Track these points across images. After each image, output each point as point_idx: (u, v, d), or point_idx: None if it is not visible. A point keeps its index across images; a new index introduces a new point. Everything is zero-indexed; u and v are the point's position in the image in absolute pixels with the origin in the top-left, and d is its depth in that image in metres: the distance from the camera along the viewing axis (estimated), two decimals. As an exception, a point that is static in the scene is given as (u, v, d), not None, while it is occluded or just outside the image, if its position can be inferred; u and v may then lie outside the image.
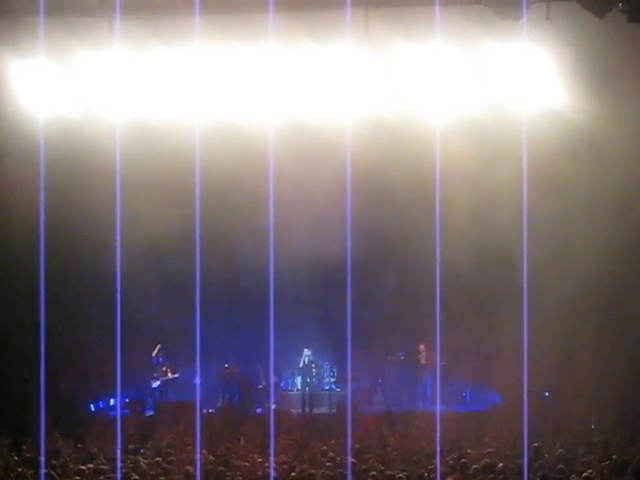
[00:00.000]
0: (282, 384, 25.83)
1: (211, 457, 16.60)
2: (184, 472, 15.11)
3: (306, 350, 25.40)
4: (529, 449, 16.25)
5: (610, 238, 22.36)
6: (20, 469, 15.17)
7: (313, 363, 25.27)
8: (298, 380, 25.79)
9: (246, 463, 16.01)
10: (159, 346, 25.06)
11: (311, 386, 25.15)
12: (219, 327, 25.15)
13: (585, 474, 14.11)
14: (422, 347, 24.74)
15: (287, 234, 21.49)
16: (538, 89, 21.05)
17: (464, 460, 15.68)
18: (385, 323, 25.48)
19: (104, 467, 15.38)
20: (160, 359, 25.15)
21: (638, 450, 16.46)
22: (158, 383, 25.14)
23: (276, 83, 21.36)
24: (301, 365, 25.44)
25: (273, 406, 23.13)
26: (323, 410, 24.57)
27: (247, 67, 21.28)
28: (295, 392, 25.70)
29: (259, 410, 24.53)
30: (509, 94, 21.18)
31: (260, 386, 24.73)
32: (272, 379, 23.77)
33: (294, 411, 24.34)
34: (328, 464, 15.48)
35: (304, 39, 20.33)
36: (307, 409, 24.59)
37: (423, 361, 24.64)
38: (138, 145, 21.51)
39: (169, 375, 25.07)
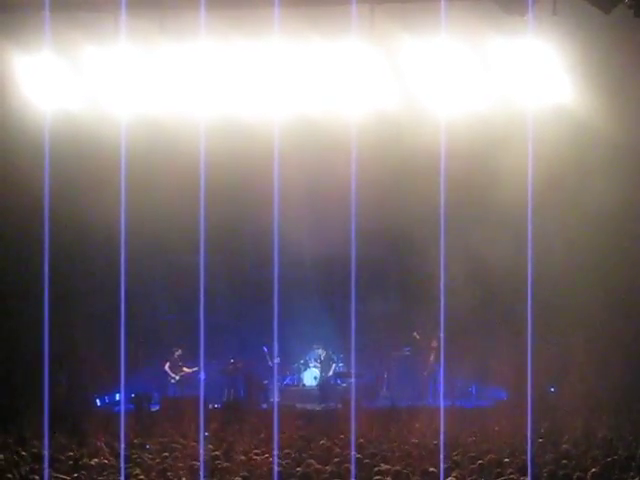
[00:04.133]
0: (287, 379, 25.90)
1: (216, 452, 16.60)
2: (189, 467, 15.13)
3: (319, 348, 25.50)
4: (534, 445, 16.24)
5: (617, 235, 22.36)
6: (24, 466, 15.20)
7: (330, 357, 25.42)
8: (303, 376, 25.85)
9: (253, 457, 16.02)
10: (179, 351, 25.11)
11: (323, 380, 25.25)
12: (224, 322, 25.18)
13: (593, 470, 14.09)
14: (434, 343, 24.73)
15: (293, 229, 21.52)
16: (544, 84, 21.02)
17: (469, 455, 15.68)
18: (391, 318, 25.48)
19: (107, 462, 15.40)
20: (178, 351, 25.17)
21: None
22: (177, 378, 25.18)
23: (282, 78, 21.35)
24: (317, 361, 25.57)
25: (277, 399, 23.23)
26: (329, 405, 24.60)
27: (253, 62, 21.28)
28: (300, 387, 25.76)
29: (264, 405, 24.56)
30: (515, 89, 21.15)
31: (271, 364, 24.78)
32: (275, 377, 23.88)
33: (299, 406, 24.38)
34: (336, 460, 15.48)
35: (310, 34, 20.32)
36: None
37: (432, 358, 24.69)
38: (144, 140, 21.52)
39: (185, 370, 25.07)
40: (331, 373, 25.63)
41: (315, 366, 25.73)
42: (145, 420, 21.46)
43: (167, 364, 25.22)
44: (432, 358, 24.74)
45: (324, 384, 25.41)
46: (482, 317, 24.19)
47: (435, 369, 24.59)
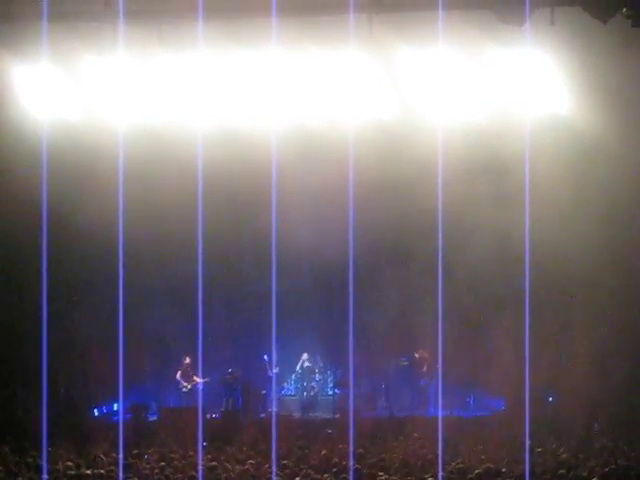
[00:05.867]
0: (285, 389, 25.88)
1: (214, 462, 16.58)
2: (188, 477, 15.10)
3: (305, 355, 25.50)
4: (532, 454, 16.23)
5: (614, 242, 22.36)
6: (20, 477, 15.18)
7: (313, 368, 25.36)
8: (299, 385, 25.82)
9: (248, 468, 16.00)
10: (188, 359, 25.02)
11: (308, 391, 25.24)
12: (222, 331, 25.15)
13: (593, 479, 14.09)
14: (426, 355, 24.73)
15: (290, 238, 21.51)
16: (542, 94, 21.05)
17: (467, 465, 15.66)
18: (388, 328, 25.45)
19: (104, 472, 15.37)
20: (186, 360, 25.10)
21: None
22: (189, 387, 25.11)
23: (279, 88, 21.36)
24: (299, 369, 25.52)
25: (275, 409, 23.21)
26: (326, 415, 24.55)
27: (251, 72, 21.29)
28: (298, 397, 25.72)
29: (262, 415, 24.53)
30: (513, 99, 21.17)
31: (270, 373, 24.77)
32: (274, 385, 23.83)
33: (297, 415, 24.35)
34: (334, 470, 15.47)
35: (307, 44, 20.33)
36: (302, 413, 24.63)
37: (425, 368, 24.71)
38: (142, 150, 21.52)
39: (196, 379, 24.96)
40: (329, 383, 25.64)
41: (307, 375, 25.67)
42: (143, 430, 21.43)
43: (179, 373, 25.16)
44: (425, 369, 24.77)
45: (321, 394, 25.43)
46: (479, 327, 24.17)
47: (429, 379, 24.60)
